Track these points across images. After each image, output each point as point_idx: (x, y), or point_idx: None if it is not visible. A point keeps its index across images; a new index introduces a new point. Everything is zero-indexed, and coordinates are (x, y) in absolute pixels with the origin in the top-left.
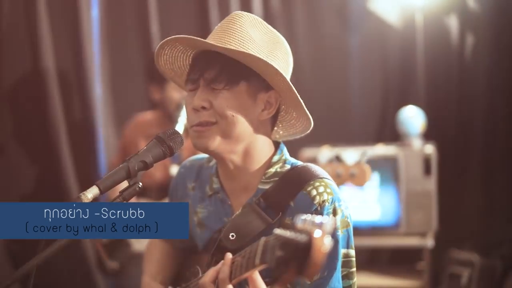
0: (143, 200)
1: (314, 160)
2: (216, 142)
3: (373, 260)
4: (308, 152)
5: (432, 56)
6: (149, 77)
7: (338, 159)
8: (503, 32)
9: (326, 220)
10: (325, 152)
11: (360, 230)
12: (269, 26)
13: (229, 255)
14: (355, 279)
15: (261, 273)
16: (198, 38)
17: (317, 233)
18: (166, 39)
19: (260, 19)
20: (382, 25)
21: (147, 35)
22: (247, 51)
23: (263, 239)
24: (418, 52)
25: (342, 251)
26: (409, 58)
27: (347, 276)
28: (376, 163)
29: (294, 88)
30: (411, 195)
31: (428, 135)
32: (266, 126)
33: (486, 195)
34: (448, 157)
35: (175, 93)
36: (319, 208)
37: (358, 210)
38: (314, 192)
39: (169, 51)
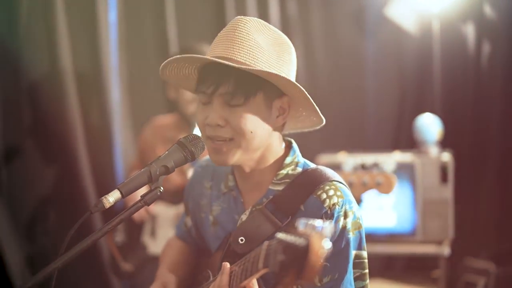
0: (160, 204)
1: (337, 168)
2: (236, 157)
3: (388, 267)
4: (324, 158)
5: (449, 64)
6: None
7: (363, 167)
8: None
9: (326, 224)
10: (349, 160)
11: (376, 237)
12: (271, 26)
13: (227, 265)
14: (367, 281)
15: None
16: (207, 57)
17: (315, 237)
18: (170, 59)
19: (263, 21)
20: (399, 32)
21: (164, 39)
22: (257, 63)
23: (265, 243)
24: (434, 59)
25: (353, 252)
26: (425, 65)
27: (360, 278)
28: (392, 170)
29: (307, 94)
30: (427, 203)
31: (444, 143)
32: (279, 128)
33: (502, 203)
34: (465, 165)
35: (189, 93)
36: (329, 212)
37: (374, 217)
38: (324, 196)
39: (176, 64)
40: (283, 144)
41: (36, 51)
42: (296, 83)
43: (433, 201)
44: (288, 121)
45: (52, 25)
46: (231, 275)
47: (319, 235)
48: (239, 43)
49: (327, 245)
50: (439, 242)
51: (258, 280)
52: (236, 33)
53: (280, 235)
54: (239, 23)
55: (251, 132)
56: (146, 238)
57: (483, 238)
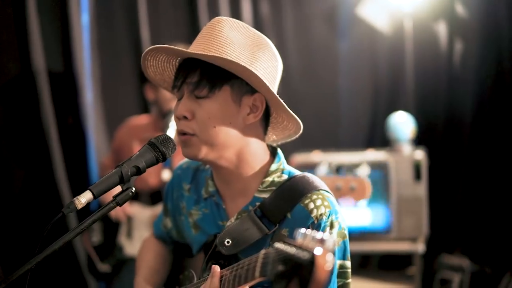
0: (135, 205)
1: (311, 168)
2: (203, 151)
3: (364, 265)
4: (298, 157)
5: (421, 62)
6: (144, 77)
7: (337, 171)
8: (491, 37)
9: (327, 236)
10: (323, 162)
11: (351, 235)
12: (253, 30)
13: (217, 268)
14: None
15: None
16: (173, 47)
17: (318, 251)
18: (145, 50)
19: (243, 23)
20: (371, 31)
21: (137, 41)
22: (224, 55)
23: (262, 251)
24: (407, 58)
25: (338, 262)
26: (398, 64)
27: (343, 287)
28: (367, 174)
29: (273, 89)
30: (401, 201)
31: (418, 141)
32: (256, 129)
33: (476, 200)
34: (438, 162)
35: (168, 92)
36: (316, 222)
37: (349, 215)
38: (311, 205)
39: (154, 61)
40: (268, 152)
41: (8, 54)
42: (255, 73)
43: (407, 199)
44: (275, 130)
45: (24, 27)
46: (222, 279)
47: (324, 249)
48: (210, 39)
49: (331, 258)
50: (414, 240)
51: None
52: (209, 31)
53: (278, 245)
54: (214, 23)
55: (214, 127)
56: (122, 239)
57: (458, 234)
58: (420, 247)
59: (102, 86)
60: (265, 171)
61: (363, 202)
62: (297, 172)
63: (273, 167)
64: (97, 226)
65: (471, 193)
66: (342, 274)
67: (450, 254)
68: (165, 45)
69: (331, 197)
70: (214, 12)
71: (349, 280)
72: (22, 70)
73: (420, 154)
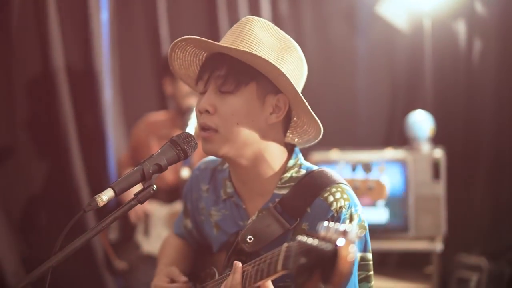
0: (154, 203)
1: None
2: (224, 148)
3: (381, 263)
4: (316, 155)
5: (440, 61)
6: (163, 70)
7: (355, 170)
8: (510, 36)
9: (349, 228)
10: (341, 161)
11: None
12: (282, 32)
13: (238, 263)
14: (372, 282)
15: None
16: (204, 39)
17: (341, 242)
18: (175, 41)
19: (273, 25)
20: (390, 29)
21: (156, 38)
22: (252, 52)
23: (285, 245)
24: (426, 57)
25: (358, 254)
26: (417, 63)
27: (365, 279)
28: (385, 167)
29: (298, 91)
30: (420, 199)
31: (436, 140)
32: (276, 130)
33: (495, 199)
34: (457, 161)
35: (186, 86)
36: (336, 214)
37: (367, 214)
38: (331, 198)
39: (181, 54)
40: (286, 151)
41: (28, 52)
42: (283, 72)
43: (426, 198)
44: (296, 134)
45: (44, 24)
46: (244, 274)
47: (346, 240)
48: (240, 36)
49: (354, 250)
50: (432, 238)
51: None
52: (239, 29)
53: (301, 238)
54: (245, 21)
55: (237, 123)
56: (139, 237)
57: (476, 234)
58: (438, 246)
59: (121, 84)
60: (283, 169)
61: (381, 202)
62: (314, 167)
63: (291, 163)
64: (114, 223)
65: (489, 192)
66: (363, 266)
67: (468, 253)
68: (196, 37)
69: (349, 190)
70: (233, 10)
71: (371, 272)
72: (42, 67)
73: (438, 153)
